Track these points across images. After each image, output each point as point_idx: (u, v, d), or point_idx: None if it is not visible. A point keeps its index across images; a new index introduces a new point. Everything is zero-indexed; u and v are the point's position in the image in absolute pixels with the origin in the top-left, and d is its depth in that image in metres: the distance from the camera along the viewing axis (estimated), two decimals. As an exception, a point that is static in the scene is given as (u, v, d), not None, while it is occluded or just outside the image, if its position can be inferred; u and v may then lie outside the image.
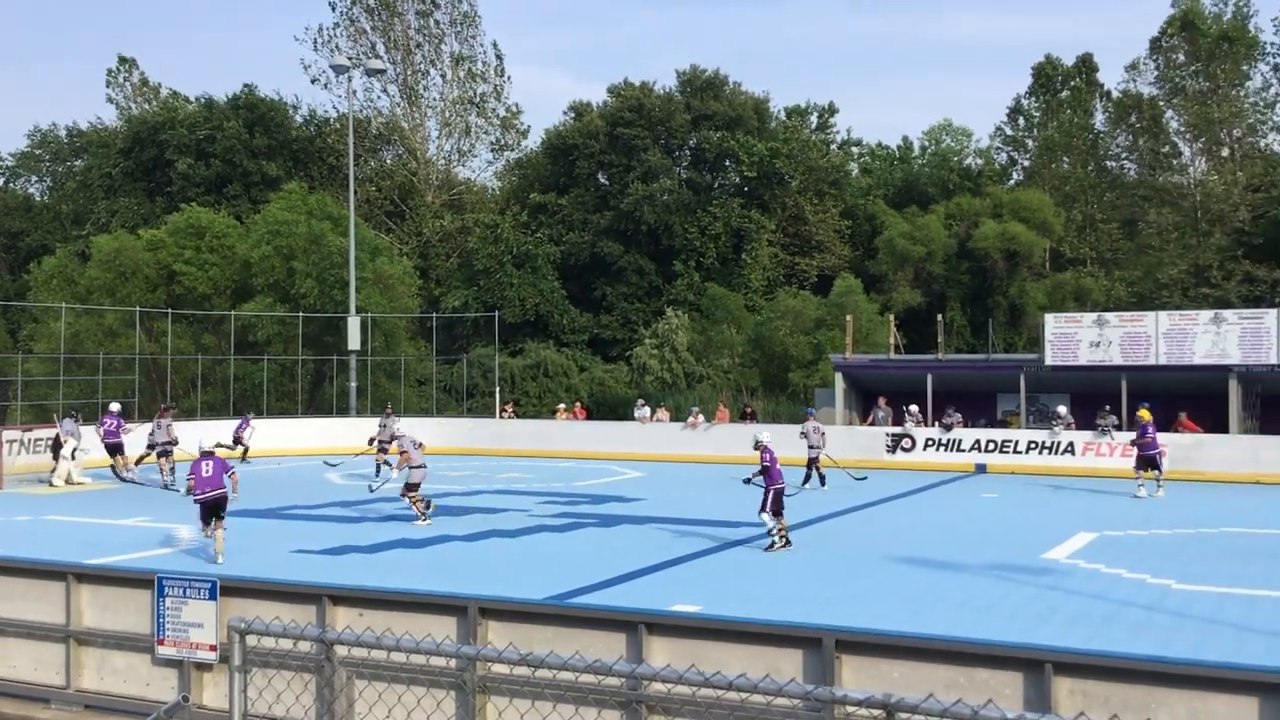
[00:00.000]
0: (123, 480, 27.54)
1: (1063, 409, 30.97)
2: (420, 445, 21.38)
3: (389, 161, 62.46)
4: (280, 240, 44.19)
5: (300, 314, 42.26)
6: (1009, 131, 61.47)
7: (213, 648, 8.97)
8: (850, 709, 6.74)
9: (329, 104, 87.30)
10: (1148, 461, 24.35)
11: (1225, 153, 54.50)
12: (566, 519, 21.18)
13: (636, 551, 17.23)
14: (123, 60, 67.00)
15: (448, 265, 57.11)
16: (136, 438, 28.47)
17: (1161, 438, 28.41)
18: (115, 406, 28.76)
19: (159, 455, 27.03)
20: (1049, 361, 31.81)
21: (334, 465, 30.75)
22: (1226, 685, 6.44)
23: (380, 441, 27.97)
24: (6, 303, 53.63)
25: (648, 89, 57.30)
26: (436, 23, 61.14)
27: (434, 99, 61.88)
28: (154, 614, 9.21)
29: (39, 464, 28.39)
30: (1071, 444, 29.78)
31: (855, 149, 67.11)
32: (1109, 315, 32.42)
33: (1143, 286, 50.71)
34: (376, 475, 26.62)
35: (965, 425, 32.02)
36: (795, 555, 17.05)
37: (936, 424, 31.92)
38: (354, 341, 39.45)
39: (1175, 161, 54.80)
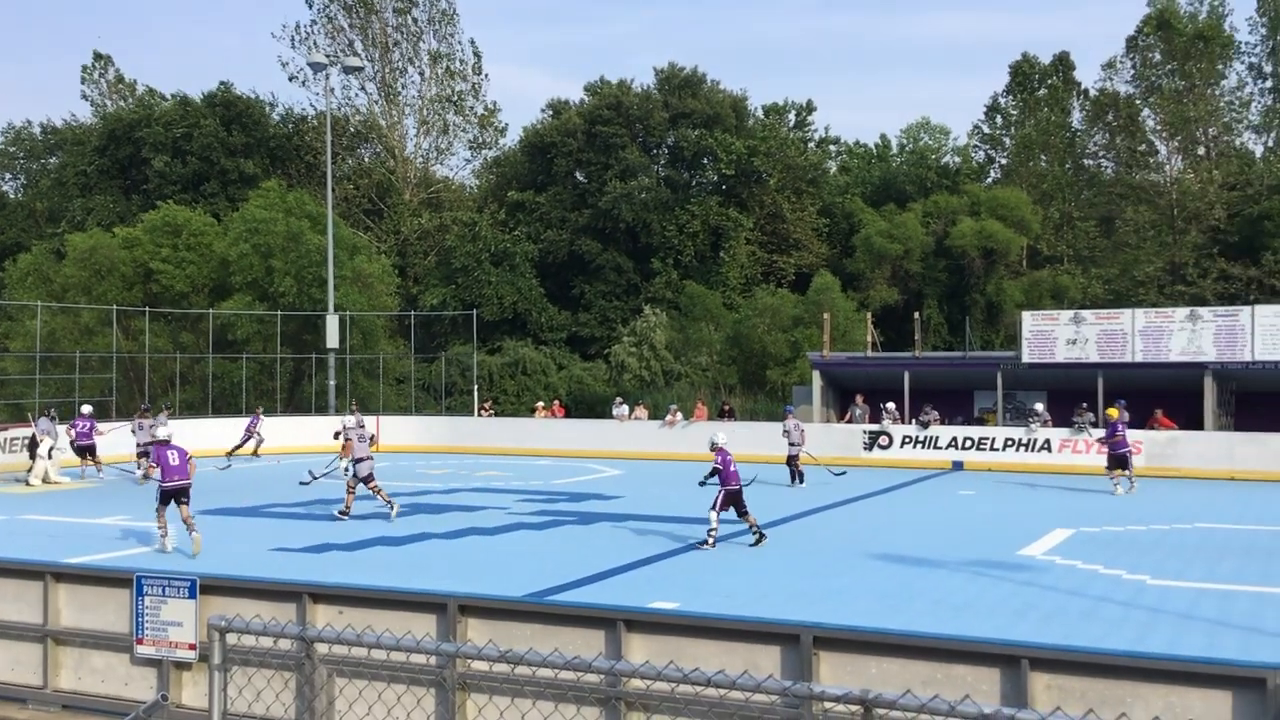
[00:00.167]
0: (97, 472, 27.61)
1: (1039, 406, 31.11)
2: (371, 439, 21.37)
3: (367, 159, 62.32)
4: (258, 238, 44.01)
5: (279, 312, 42.10)
6: (986, 130, 61.70)
7: (192, 646, 8.94)
8: (828, 705, 6.76)
9: (306, 102, 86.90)
10: (1119, 460, 24.48)
11: (1201, 151, 54.87)
12: (545, 517, 21.19)
13: (615, 549, 17.26)
14: (98, 57, 66.64)
15: (426, 263, 57.00)
16: (113, 439, 28.44)
17: (1137, 434, 28.68)
18: (87, 409, 28.71)
19: (139, 455, 27.27)
20: (1026, 359, 31.96)
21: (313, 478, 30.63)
22: (1201, 680, 6.49)
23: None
24: (-19, 301, 53.27)
25: (626, 87, 57.31)
26: (414, 20, 61.08)
27: (412, 97, 61.85)
28: (132, 613, 9.17)
29: (15, 463, 28.26)
30: (1048, 441, 29.93)
31: (833, 147, 67.24)
32: (1085, 313, 32.60)
33: (1119, 284, 50.97)
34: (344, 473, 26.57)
35: (942, 422, 32.14)
36: (773, 552, 17.09)
37: (914, 421, 32.04)
38: (332, 340, 39.34)
39: (1152, 160, 55.10)
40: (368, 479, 20.54)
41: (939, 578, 14.94)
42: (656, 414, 37.32)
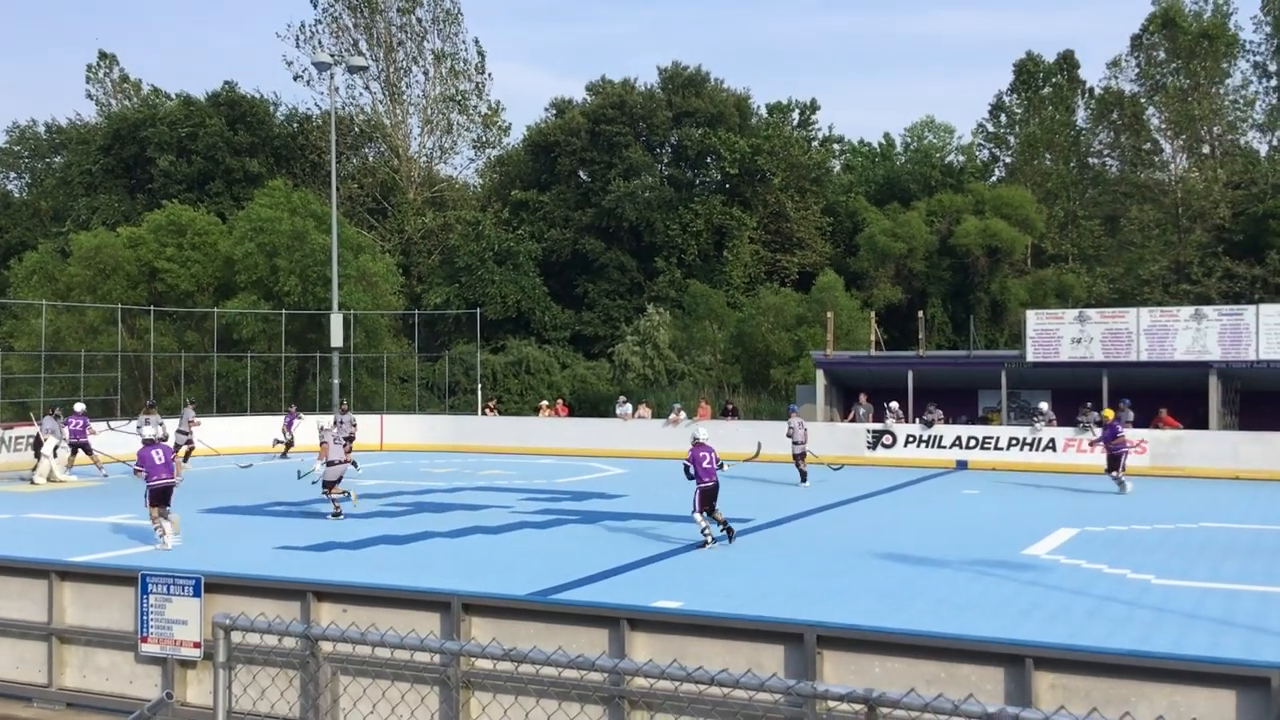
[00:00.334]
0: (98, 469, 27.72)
1: (1044, 405, 31.07)
2: (347, 442, 21.47)
3: (371, 159, 62.38)
4: (263, 237, 44.04)
5: (283, 311, 42.13)
6: (991, 128, 61.63)
7: (197, 645, 8.95)
8: (832, 704, 6.78)
9: (311, 101, 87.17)
10: (1115, 460, 24.37)
11: (1206, 150, 54.81)
12: (549, 515, 21.19)
13: (618, 548, 17.26)
14: (103, 56, 66.70)
15: (429, 262, 57.03)
16: (106, 440, 28.49)
17: (1142, 433, 28.67)
18: (80, 406, 28.85)
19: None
20: (1030, 358, 31.93)
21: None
22: (1206, 679, 6.48)
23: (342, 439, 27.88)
24: (-14, 300, 53.33)
25: (629, 86, 57.30)
26: (418, 20, 61.10)
27: (416, 96, 61.89)
28: (137, 611, 9.18)
29: (20, 462, 28.31)
30: (1053, 440, 29.89)
31: (837, 146, 67.23)
32: (1090, 312, 32.56)
33: (1124, 283, 50.94)
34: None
35: (946, 422, 32.10)
36: (775, 551, 17.09)
37: (917, 420, 32.01)
38: (337, 339, 39.35)
39: (1156, 158, 55.06)
40: (333, 483, 20.68)
41: (943, 577, 14.93)
42: (660, 413, 37.30)
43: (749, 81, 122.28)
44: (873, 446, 31.67)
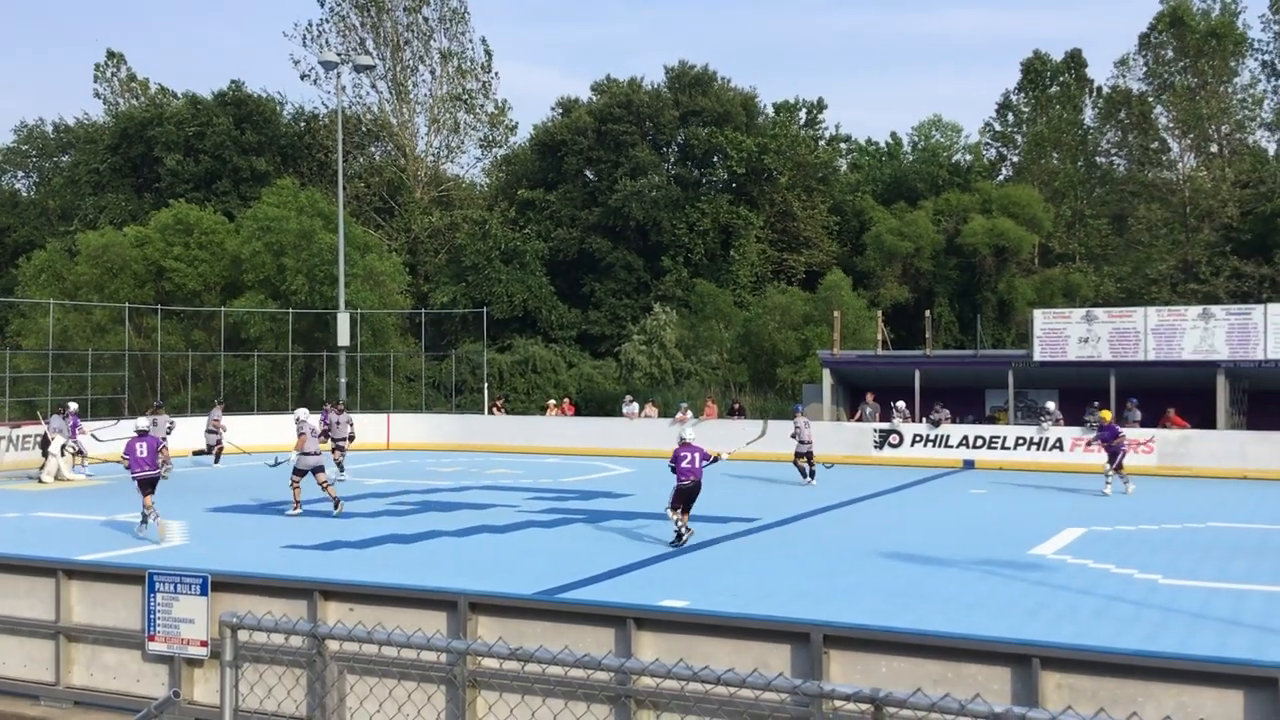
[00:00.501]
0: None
1: (1051, 405, 31.05)
2: (320, 434, 21.90)
3: (378, 158, 62.44)
4: (271, 236, 44.10)
5: (290, 310, 42.19)
6: (998, 127, 61.56)
7: (204, 643, 8.97)
8: (838, 703, 6.77)
9: (318, 100, 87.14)
10: (1114, 456, 24.20)
11: (1214, 149, 54.72)
12: (555, 515, 21.20)
13: (624, 547, 17.27)
14: (110, 55, 66.77)
15: (436, 261, 57.07)
16: (87, 443, 28.52)
17: (1150, 433, 28.64)
18: (73, 406, 28.92)
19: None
20: (1037, 357, 31.88)
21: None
22: (1213, 679, 6.47)
23: (334, 438, 27.86)
24: (-6, 299, 53.45)
25: (636, 85, 57.29)
26: (425, 19, 61.12)
27: (423, 95, 61.90)
28: (144, 610, 9.20)
29: (27, 460, 28.36)
30: (1060, 440, 29.84)
31: (844, 145, 67.17)
32: (1098, 311, 32.53)
33: (1131, 282, 50.88)
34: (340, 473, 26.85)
35: (953, 421, 32.06)
36: (781, 551, 17.09)
37: (924, 420, 31.98)
38: (343, 338, 39.39)
39: (1164, 157, 54.99)
40: (303, 473, 20.90)
41: (949, 576, 14.92)
42: (666, 412, 37.32)
43: (756, 80, 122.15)
44: (879, 446, 31.65)
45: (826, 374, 35.53)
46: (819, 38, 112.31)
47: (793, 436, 26.14)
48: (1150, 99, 54.71)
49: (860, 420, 33.34)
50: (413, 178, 60.97)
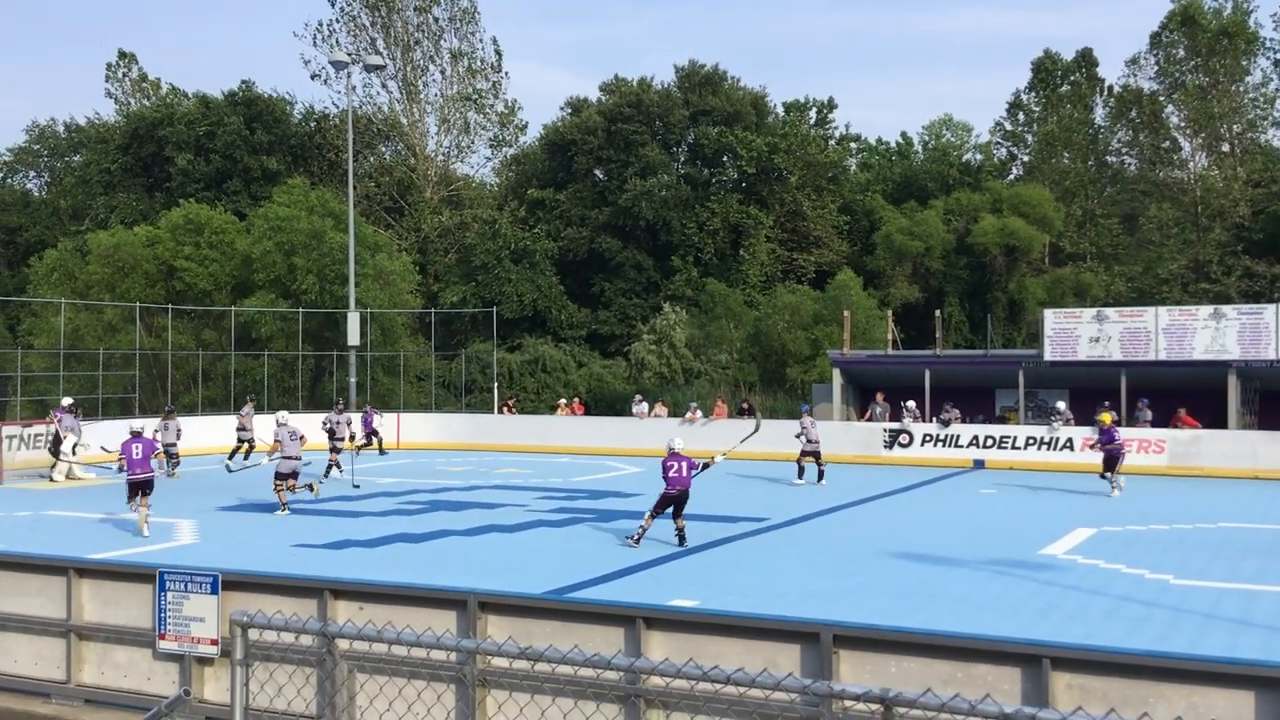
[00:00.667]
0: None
1: (1062, 405, 30.96)
2: (301, 438, 22.02)
3: (388, 157, 62.53)
4: (281, 236, 44.19)
5: (300, 310, 42.26)
6: (1008, 126, 61.43)
7: (214, 642, 8.99)
8: (848, 703, 6.77)
9: (328, 100, 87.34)
10: (1111, 461, 24.10)
11: (1225, 148, 54.56)
12: (565, 514, 21.21)
13: (636, 547, 17.24)
14: (122, 55, 66.98)
15: (446, 261, 57.13)
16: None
17: (1161, 433, 28.56)
18: (67, 401, 29.00)
19: (166, 457, 27.56)
20: (1048, 357, 31.81)
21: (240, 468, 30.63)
22: (1224, 680, 6.45)
23: (333, 440, 27.87)
24: (5, 298, 53.58)
25: (646, 85, 57.29)
26: (435, 19, 61.19)
27: (433, 95, 62.00)
28: (155, 608, 9.23)
29: (39, 459, 28.41)
30: (1070, 440, 29.76)
31: (854, 144, 67.10)
32: (1108, 311, 32.43)
33: (1142, 282, 50.75)
34: (325, 475, 26.74)
35: (963, 421, 32.00)
36: (790, 550, 17.08)
37: (934, 420, 31.92)
38: (353, 337, 39.44)
39: (1175, 157, 54.84)
40: (285, 476, 21.12)
41: (959, 576, 14.90)
42: (676, 412, 37.31)
43: (766, 80, 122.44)
44: (889, 446, 31.61)
45: (836, 374, 35.48)
46: (829, 37, 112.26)
47: (797, 437, 26.08)
48: (1161, 98, 54.58)
49: (870, 420, 33.29)
50: (423, 177, 61.04)
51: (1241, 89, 54.25)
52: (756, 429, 22.40)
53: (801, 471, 26.25)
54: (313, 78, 63.10)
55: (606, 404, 45.98)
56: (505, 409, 40.09)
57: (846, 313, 38.49)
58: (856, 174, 64.07)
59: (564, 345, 51.96)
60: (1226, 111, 52.87)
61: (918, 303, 50.62)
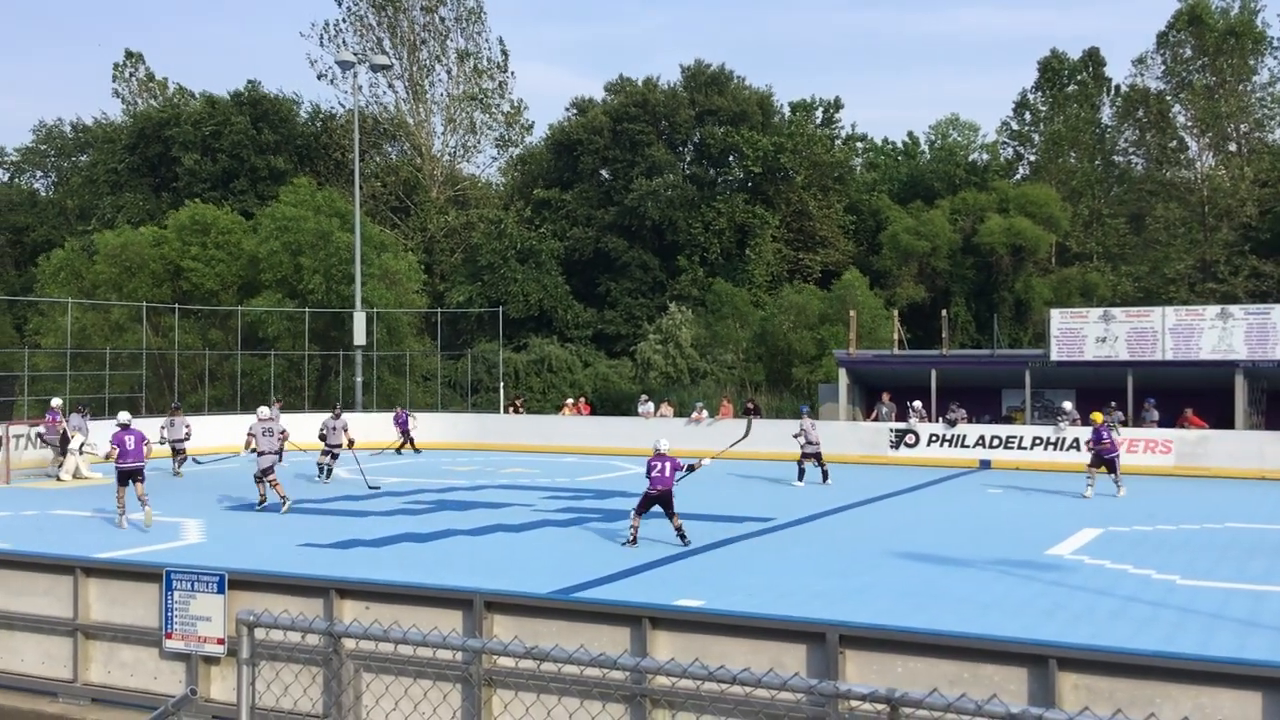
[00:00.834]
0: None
1: (1068, 405, 30.91)
2: (283, 434, 22.53)
3: (394, 157, 62.57)
4: (288, 236, 44.23)
5: (306, 309, 42.31)
6: (1015, 126, 61.36)
7: (220, 641, 9.00)
8: (854, 703, 6.75)
9: (334, 100, 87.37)
10: (1107, 463, 23.85)
11: (1233, 148, 54.47)
12: (571, 514, 21.21)
13: (640, 546, 17.24)
14: (129, 55, 67.04)
15: (452, 261, 57.17)
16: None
17: (1168, 433, 28.50)
18: (56, 401, 29.09)
19: (173, 453, 27.70)
20: (1054, 357, 31.77)
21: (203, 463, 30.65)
22: (1231, 680, 6.44)
23: (329, 444, 27.85)
24: (13, 297, 53.71)
25: (652, 84, 57.28)
26: (442, 19, 61.25)
27: (439, 95, 62.03)
28: (162, 608, 9.23)
29: (46, 459, 28.46)
30: (1077, 440, 29.67)
31: (860, 144, 67.04)
32: (1115, 310, 32.38)
33: (1149, 282, 50.68)
34: (320, 475, 26.99)
35: (969, 421, 31.96)
36: (796, 550, 17.07)
37: (940, 420, 31.89)
38: (359, 337, 39.48)
39: (1182, 156, 54.78)
40: (265, 472, 21.35)
41: (966, 577, 14.88)
42: (682, 412, 37.30)
43: (772, 79, 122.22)
44: (895, 446, 31.58)
45: (842, 373, 35.46)
46: (835, 37, 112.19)
47: (796, 437, 25.98)
48: (1168, 97, 54.50)
49: (876, 420, 33.26)
50: (429, 177, 61.08)
51: (1249, 88, 54.16)
52: (747, 433, 22.44)
53: (802, 473, 26.19)
54: (319, 77, 63.39)
55: (612, 404, 45.98)
56: (513, 408, 40.09)
57: (852, 312, 38.47)
58: (862, 174, 64.01)
59: (570, 345, 51.99)
60: (1234, 111, 52.77)
61: (924, 302, 50.57)
